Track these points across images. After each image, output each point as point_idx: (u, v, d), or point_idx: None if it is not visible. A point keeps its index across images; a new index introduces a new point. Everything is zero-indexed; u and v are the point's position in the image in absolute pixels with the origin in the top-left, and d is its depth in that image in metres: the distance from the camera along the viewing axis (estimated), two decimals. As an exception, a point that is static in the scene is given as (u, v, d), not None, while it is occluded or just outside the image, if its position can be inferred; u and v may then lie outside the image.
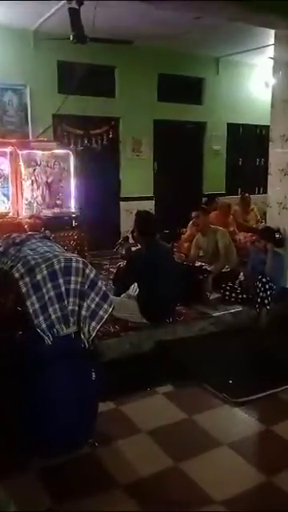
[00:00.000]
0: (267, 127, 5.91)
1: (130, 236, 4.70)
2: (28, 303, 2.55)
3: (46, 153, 5.98)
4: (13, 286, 2.62)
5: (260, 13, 4.70)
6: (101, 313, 2.76)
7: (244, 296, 4.89)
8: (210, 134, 8.56)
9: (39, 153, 5.93)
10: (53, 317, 2.61)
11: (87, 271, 2.73)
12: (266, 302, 4.62)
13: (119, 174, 7.73)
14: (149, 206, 7.43)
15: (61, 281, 2.64)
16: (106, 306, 2.79)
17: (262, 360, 3.90)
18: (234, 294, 4.94)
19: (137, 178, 7.80)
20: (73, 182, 6.19)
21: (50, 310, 2.60)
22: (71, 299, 2.67)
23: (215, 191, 8.51)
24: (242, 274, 5.26)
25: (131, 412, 3.16)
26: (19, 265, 2.66)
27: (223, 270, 5.24)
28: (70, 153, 6.25)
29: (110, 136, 7.45)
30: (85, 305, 2.70)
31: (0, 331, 2.68)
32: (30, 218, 5.72)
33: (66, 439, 2.68)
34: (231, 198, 8.10)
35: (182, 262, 5.46)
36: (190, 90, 8.22)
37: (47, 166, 6.00)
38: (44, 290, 2.59)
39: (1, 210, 5.67)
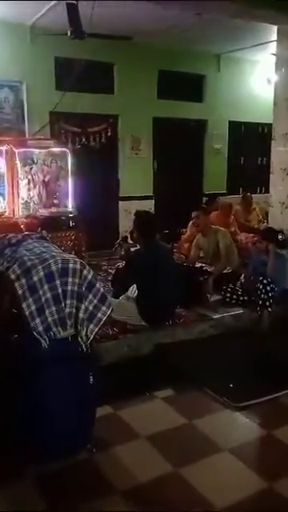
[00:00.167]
0: (269, 125, 5.93)
1: (129, 236, 4.71)
2: (24, 305, 2.55)
3: (42, 151, 5.99)
4: (8, 288, 2.62)
5: (260, 8, 4.72)
6: (99, 315, 2.76)
7: (245, 298, 4.89)
8: (210, 132, 8.57)
9: (36, 151, 5.93)
10: (49, 319, 2.61)
11: (85, 272, 2.74)
12: (267, 304, 4.62)
13: (118, 172, 7.73)
14: (148, 205, 7.46)
15: (58, 282, 2.64)
16: (104, 308, 2.79)
17: (264, 363, 3.91)
18: (235, 296, 4.95)
19: (136, 177, 7.81)
20: (70, 181, 6.20)
21: (47, 312, 2.60)
22: (68, 301, 2.67)
23: (216, 191, 8.52)
24: (243, 275, 5.27)
25: (130, 417, 3.16)
26: (15, 266, 2.66)
27: (224, 272, 5.24)
28: (68, 151, 6.26)
29: (109, 134, 7.45)
30: (82, 307, 2.70)
31: (-5, 334, 2.69)
32: (26, 217, 5.73)
33: (63, 445, 2.68)
34: (232, 198, 8.12)
35: (182, 263, 5.46)
36: (190, 87, 8.24)
37: (44, 164, 6.01)
38: (40, 292, 2.59)
39: (-4, 209, 5.69)
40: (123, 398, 3.35)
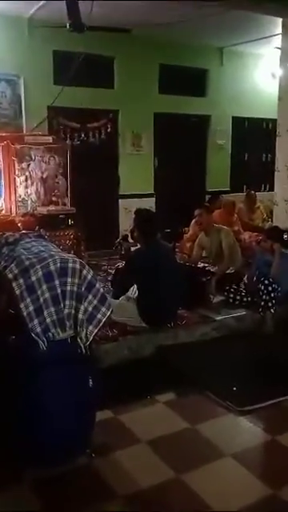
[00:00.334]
0: (274, 121, 5.94)
1: (130, 235, 4.71)
2: (22, 306, 2.55)
3: (40, 147, 6.00)
4: (6, 288, 2.62)
5: (265, 0, 4.72)
6: (99, 316, 2.76)
7: (249, 299, 4.89)
8: (213, 127, 8.58)
9: (34, 147, 5.94)
10: (48, 320, 2.61)
11: (84, 272, 2.74)
12: (269, 304, 4.62)
13: (118, 169, 7.73)
14: (149, 203, 7.46)
15: (56, 282, 2.64)
16: (104, 309, 2.78)
17: (268, 366, 3.90)
18: (238, 297, 4.95)
19: (136, 174, 7.81)
20: (69, 178, 6.20)
21: (45, 313, 2.60)
22: (67, 302, 2.67)
23: (219, 188, 8.53)
24: (246, 275, 5.27)
25: (130, 421, 3.16)
26: (13, 265, 2.66)
27: (227, 272, 5.23)
28: (66, 147, 6.26)
29: (109, 130, 7.45)
30: (82, 308, 2.70)
31: (-8, 335, 2.69)
32: (23, 215, 5.74)
33: (62, 449, 2.68)
34: (236, 196, 8.10)
35: (184, 263, 5.46)
36: (192, 81, 8.24)
37: (42, 161, 6.02)
38: (39, 292, 2.59)
39: (-7, 207, 5.70)
40: (124, 402, 3.35)
